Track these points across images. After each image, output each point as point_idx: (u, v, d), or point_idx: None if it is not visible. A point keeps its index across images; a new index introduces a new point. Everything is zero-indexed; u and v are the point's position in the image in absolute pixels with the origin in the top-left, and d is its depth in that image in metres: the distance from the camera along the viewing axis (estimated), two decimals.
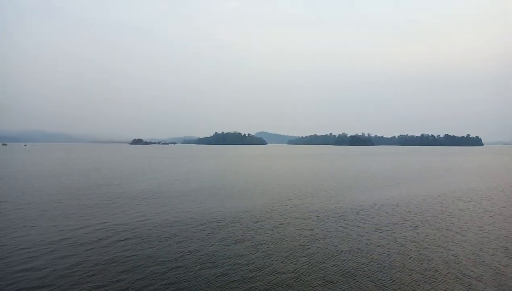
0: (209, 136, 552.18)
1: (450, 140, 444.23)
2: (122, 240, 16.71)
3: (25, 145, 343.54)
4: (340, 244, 16.44)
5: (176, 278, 12.35)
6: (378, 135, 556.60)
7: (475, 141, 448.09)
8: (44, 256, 14.41)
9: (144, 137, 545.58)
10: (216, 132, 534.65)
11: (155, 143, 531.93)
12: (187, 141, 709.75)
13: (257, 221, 20.98)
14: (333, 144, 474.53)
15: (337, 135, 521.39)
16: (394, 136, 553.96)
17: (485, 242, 16.86)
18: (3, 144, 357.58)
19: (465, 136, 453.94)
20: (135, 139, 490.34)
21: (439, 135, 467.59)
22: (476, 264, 13.79)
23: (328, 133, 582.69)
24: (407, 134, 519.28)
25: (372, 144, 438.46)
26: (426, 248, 15.82)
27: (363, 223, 20.79)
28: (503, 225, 20.32)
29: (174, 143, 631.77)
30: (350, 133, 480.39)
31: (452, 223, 20.70)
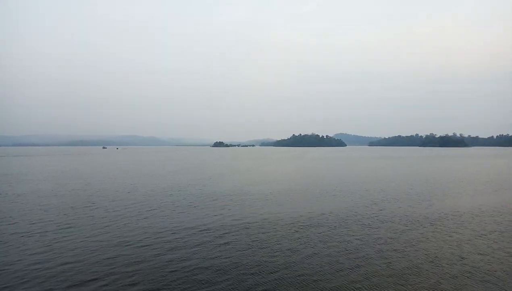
0: (286, 138, 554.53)
1: None
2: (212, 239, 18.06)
3: (116, 148, 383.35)
4: (436, 250, 15.61)
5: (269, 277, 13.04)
6: (472, 136, 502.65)
7: None
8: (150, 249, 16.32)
9: (225, 140, 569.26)
10: (293, 135, 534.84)
11: (235, 145, 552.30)
12: (265, 143, 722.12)
13: (342, 223, 20.89)
14: (419, 146, 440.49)
15: (424, 136, 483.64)
16: (492, 137, 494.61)
17: None
18: (103, 148, 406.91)
19: None
20: (216, 142, 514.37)
21: None
22: None
23: (414, 134, 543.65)
24: (508, 134, 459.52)
25: (466, 145, 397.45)
26: None
27: (461, 229, 19.36)
28: None
29: (253, 145, 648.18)
30: (439, 133, 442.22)
31: None
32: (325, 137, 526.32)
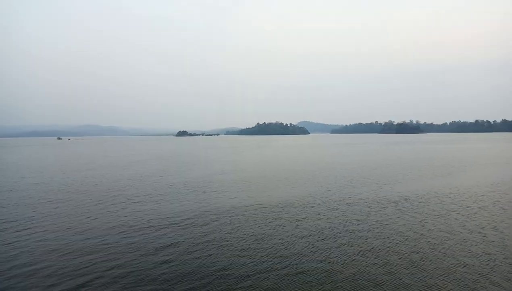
0: (251, 127, 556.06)
1: (509, 126, 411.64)
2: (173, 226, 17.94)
3: (68, 139, 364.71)
4: (402, 229, 16.48)
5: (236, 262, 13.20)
6: (427, 123, 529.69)
7: None
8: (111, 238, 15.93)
9: (189, 130, 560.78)
10: (258, 123, 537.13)
11: (199, 135, 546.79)
12: (229, 132, 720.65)
13: (306, 208, 21.46)
14: (379, 133, 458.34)
15: (383, 124, 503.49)
16: (445, 123, 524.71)
17: None
18: (58, 139, 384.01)
19: None
20: (180, 131, 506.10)
21: (495, 121, 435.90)
22: None
23: (374, 122, 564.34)
24: (460, 121, 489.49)
25: (422, 131, 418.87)
26: (479, 232, 15.45)
27: (421, 209, 20.52)
28: None
29: (217, 134, 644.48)
30: (397, 121, 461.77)
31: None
32: (289, 125, 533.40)
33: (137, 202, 24.05)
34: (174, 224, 18.05)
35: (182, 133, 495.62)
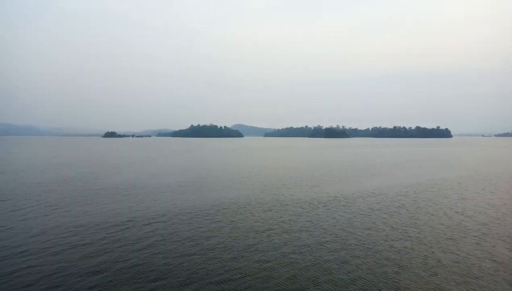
0: (184, 129, 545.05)
1: (421, 132, 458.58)
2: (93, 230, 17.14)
3: None
4: (330, 226, 17.58)
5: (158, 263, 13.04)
6: (352, 128, 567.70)
7: (445, 133, 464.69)
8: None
9: (118, 131, 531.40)
10: (192, 125, 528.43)
11: (129, 136, 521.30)
12: (162, 134, 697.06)
13: (241, 210, 21.86)
14: (309, 137, 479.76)
15: (312, 128, 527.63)
16: (368, 129, 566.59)
17: (446, 221, 18.48)
18: None
19: (435, 128, 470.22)
20: (108, 132, 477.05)
21: (410, 127, 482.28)
22: (441, 243, 15.22)
23: (304, 126, 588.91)
24: (380, 127, 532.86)
25: (347, 136, 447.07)
26: (397, 229, 17.23)
27: (348, 208, 22.07)
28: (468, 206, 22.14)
29: (149, 136, 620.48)
30: (325, 125, 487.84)
31: (419, 208, 22.37)
32: (223, 128, 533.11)
33: (61, 208, 22.34)
34: (104, 229, 17.13)
35: (111, 135, 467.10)
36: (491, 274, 11.94)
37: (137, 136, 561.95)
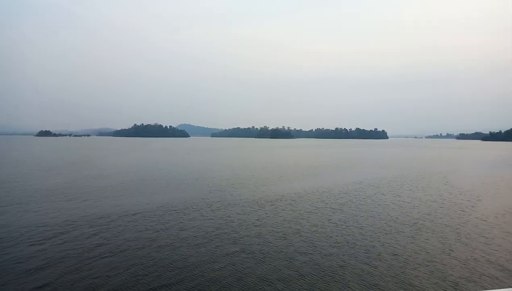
0: (127, 128, 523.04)
1: (360, 134, 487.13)
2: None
3: None
4: (280, 224, 17.87)
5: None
6: (297, 129, 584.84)
7: (382, 135, 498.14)
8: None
9: (53, 129, 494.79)
10: (135, 124, 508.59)
11: (66, 135, 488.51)
12: (102, 133, 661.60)
13: (188, 211, 21.50)
14: (255, 137, 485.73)
15: (259, 129, 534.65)
16: (312, 130, 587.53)
17: (375, 214, 19.79)
18: None
19: (373, 130, 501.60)
20: (42, 131, 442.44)
21: (351, 129, 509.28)
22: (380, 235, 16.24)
23: (251, 127, 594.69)
24: (323, 128, 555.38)
25: (292, 137, 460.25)
26: (335, 224, 18.06)
27: (295, 206, 22.61)
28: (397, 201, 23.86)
29: (88, 135, 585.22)
30: (271, 126, 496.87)
31: (358, 207, 23.69)
32: (168, 127, 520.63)
33: None
34: (34, 236, 15.81)
35: (45, 134, 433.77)
36: (426, 265, 12.92)
37: (75, 135, 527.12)
